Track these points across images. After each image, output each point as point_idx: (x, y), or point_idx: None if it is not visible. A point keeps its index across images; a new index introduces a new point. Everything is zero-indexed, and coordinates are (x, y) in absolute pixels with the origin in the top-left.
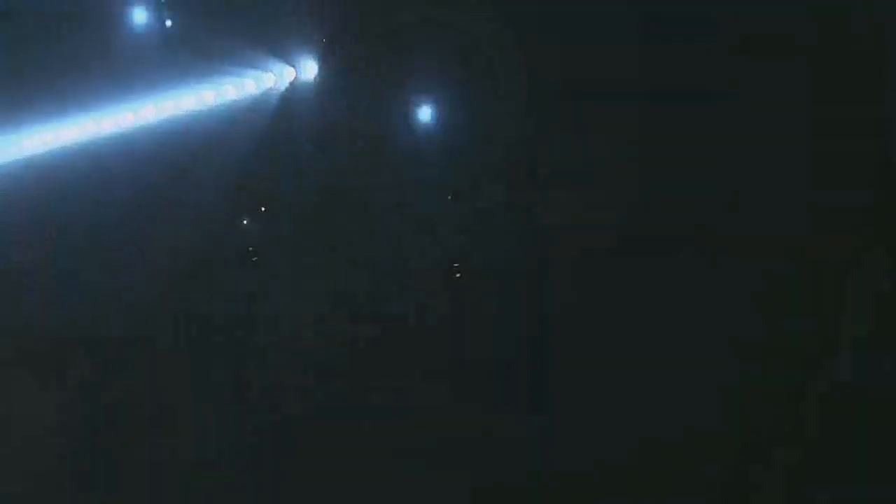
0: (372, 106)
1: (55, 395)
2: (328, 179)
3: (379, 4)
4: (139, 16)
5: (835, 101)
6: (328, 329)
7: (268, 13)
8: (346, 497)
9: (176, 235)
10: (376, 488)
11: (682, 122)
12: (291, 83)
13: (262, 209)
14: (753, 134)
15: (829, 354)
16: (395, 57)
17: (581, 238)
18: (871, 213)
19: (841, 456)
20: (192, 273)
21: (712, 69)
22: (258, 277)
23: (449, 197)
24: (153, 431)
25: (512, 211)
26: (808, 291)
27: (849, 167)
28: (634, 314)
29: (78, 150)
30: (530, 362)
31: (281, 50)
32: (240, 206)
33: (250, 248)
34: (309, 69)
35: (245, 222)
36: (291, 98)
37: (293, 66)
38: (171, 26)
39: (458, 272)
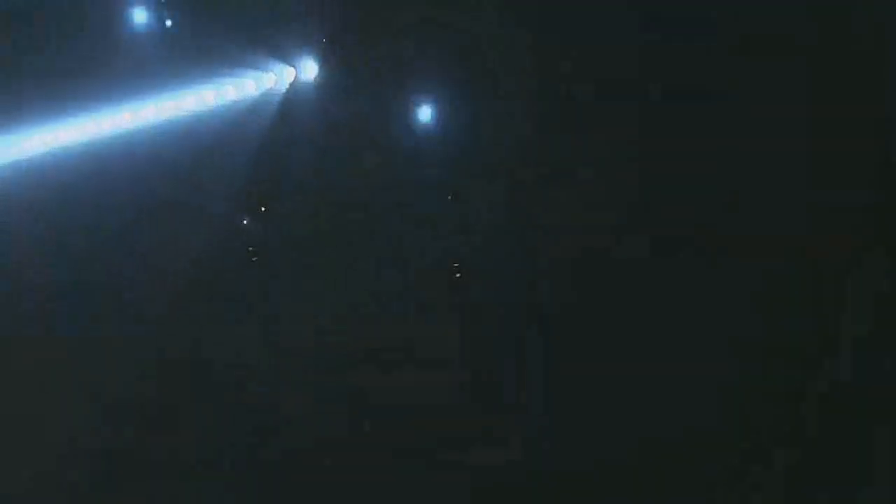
0: (372, 106)
1: (55, 396)
2: (328, 179)
3: (379, 4)
4: (139, 16)
5: (835, 101)
6: (328, 329)
7: (268, 13)
8: (347, 497)
9: (175, 235)
10: (376, 488)
11: (683, 122)
12: (291, 84)
13: (263, 209)
14: (753, 134)
15: (829, 354)
16: (395, 57)
17: (581, 238)
18: (871, 213)
19: (841, 456)
20: (192, 273)
21: (712, 69)
22: (258, 277)
23: (449, 197)
24: (153, 431)
25: (512, 211)
26: (808, 291)
27: (849, 167)
28: (634, 314)
29: (77, 151)
30: (530, 362)
31: (281, 50)
32: (240, 206)
33: (250, 248)
34: (309, 69)
35: (245, 222)
36: (291, 98)
37: (293, 67)
38: (171, 26)
39: (458, 272)
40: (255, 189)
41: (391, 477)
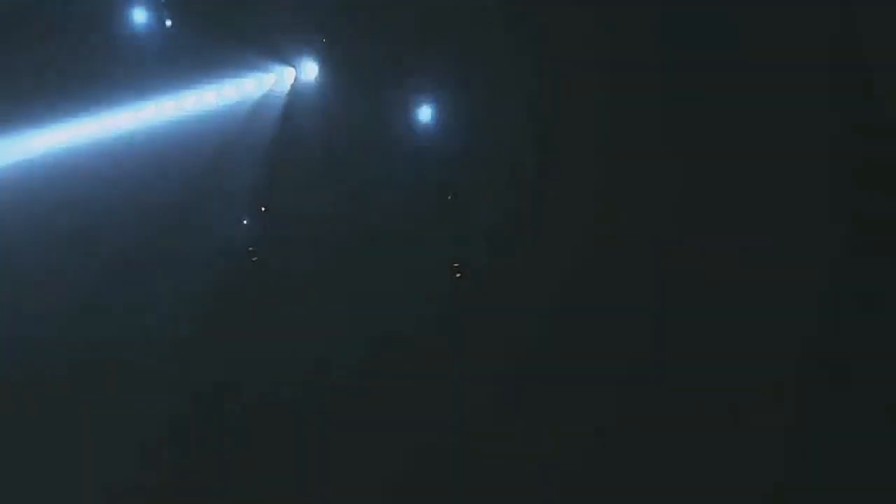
0: (372, 106)
1: (55, 396)
2: (328, 179)
3: (379, 4)
4: (139, 16)
5: (835, 101)
6: (328, 328)
7: (268, 13)
8: (347, 497)
9: (175, 236)
10: (376, 488)
11: (683, 122)
12: (291, 84)
13: (263, 209)
14: (754, 134)
15: (829, 353)
16: (395, 57)
17: (582, 238)
18: (871, 213)
19: (841, 456)
20: (192, 273)
21: (713, 69)
22: (258, 277)
23: (449, 197)
24: (153, 432)
25: (512, 211)
26: (808, 291)
27: (848, 167)
28: (635, 313)
29: (77, 151)
30: (531, 362)
31: (281, 50)
32: (240, 207)
33: (250, 248)
34: (309, 69)
35: (245, 222)
36: (291, 99)
37: (293, 67)
38: (171, 26)
39: (458, 272)
40: (256, 189)
41: (391, 477)
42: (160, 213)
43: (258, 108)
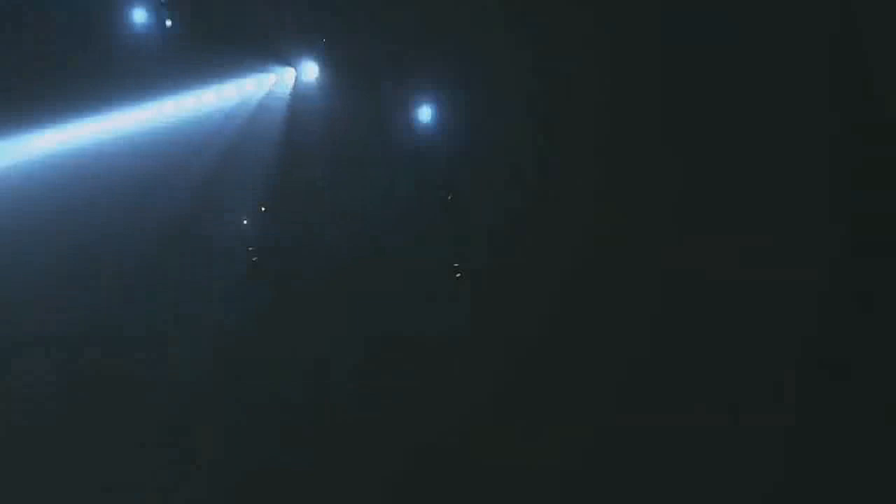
0: (372, 106)
1: (55, 396)
2: (328, 179)
3: (379, 4)
4: (139, 16)
5: (836, 101)
6: (328, 329)
7: (268, 14)
8: (347, 497)
9: (176, 235)
10: (376, 488)
11: (683, 122)
12: (291, 84)
13: (263, 209)
14: (754, 134)
15: (830, 353)
16: (395, 57)
17: (581, 238)
18: (871, 213)
19: (841, 456)
20: (192, 273)
21: (713, 69)
22: (259, 277)
23: (449, 197)
24: (154, 431)
25: (512, 211)
26: (808, 291)
27: (848, 167)
28: (634, 314)
29: (77, 152)
30: (530, 362)
31: (281, 51)
32: (240, 207)
33: (250, 248)
34: (309, 70)
35: (245, 222)
36: (292, 99)
37: (293, 67)
38: (171, 26)
39: (459, 272)
40: (256, 189)
41: (391, 477)
42: (160, 212)
43: (258, 108)
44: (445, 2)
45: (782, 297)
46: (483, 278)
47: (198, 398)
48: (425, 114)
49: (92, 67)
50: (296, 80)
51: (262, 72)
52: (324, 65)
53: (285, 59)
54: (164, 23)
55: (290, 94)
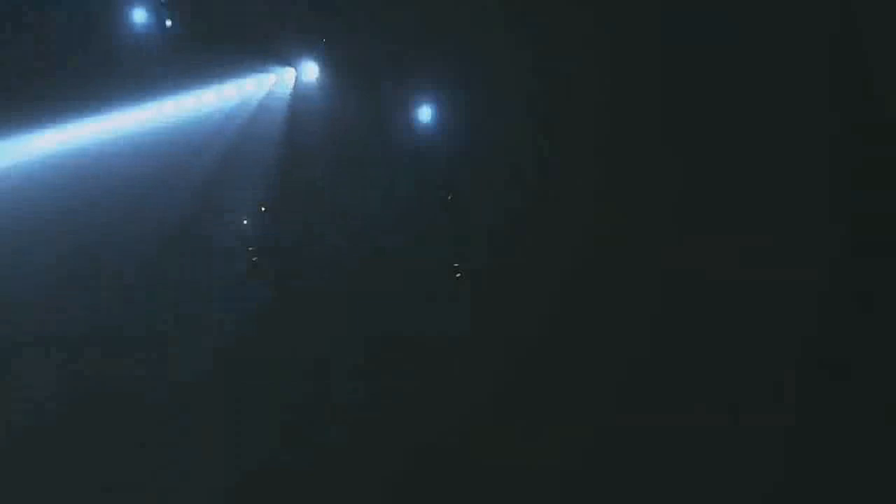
0: (372, 106)
1: (55, 395)
2: (328, 179)
3: (379, 4)
4: (139, 16)
5: (836, 101)
6: (328, 329)
7: (268, 14)
8: (347, 497)
9: (176, 235)
10: (376, 488)
11: (683, 121)
12: (291, 84)
13: (262, 209)
14: (754, 134)
15: (830, 353)
16: (395, 57)
17: (581, 238)
18: (871, 213)
19: (841, 456)
20: (192, 273)
21: (713, 69)
22: (258, 277)
23: (449, 197)
24: (153, 431)
25: (512, 211)
26: (808, 291)
27: (848, 167)
28: (634, 314)
29: (77, 152)
30: (530, 362)
31: (281, 51)
32: (240, 206)
33: (250, 248)
34: (309, 70)
35: (245, 222)
36: (292, 99)
37: (293, 67)
38: (171, 26)
39: (459, 272)
40: (256, 188)
41: (391, 477)
42: (160, 212)
43: (258, 108)
44: (445, 2)
45: (782, 297)
46: (483, 278)
47: (198, 398)
48: (425, 114)
49: (92, 67)
50: (296, 80)
51: (262, 72)
52: (324, 65)
53: (285, 59)
54: (164, 23)
55: (290, 94)
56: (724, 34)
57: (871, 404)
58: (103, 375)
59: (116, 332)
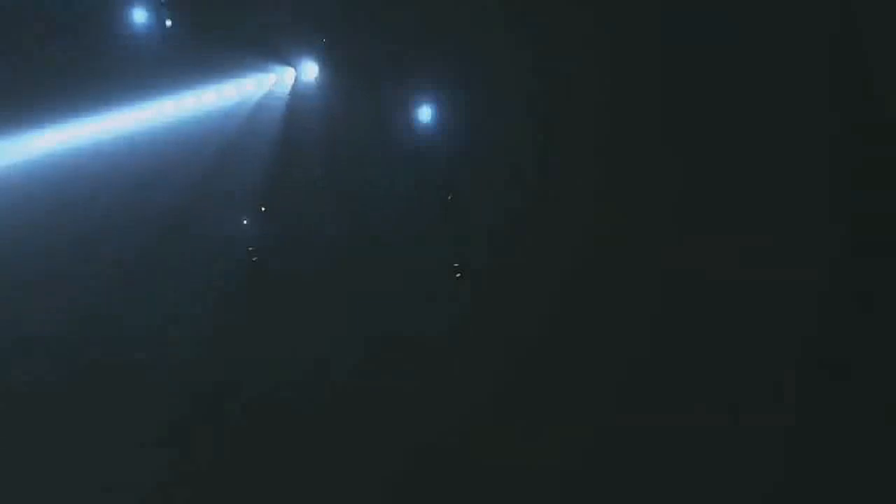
0: (372, 106)
1: (54, 396)
2: (328, 179)
3: (379, 4)
4: (139, 16)
5: (836, 101)
6: (328, 329)
7: (267, 13)
8: (347, 497)
9: (176, 235)
10: (376, 488)
11: (683, 121)
12: (291, 84)
13: (263, 209)
14: (754, 134)
15: (830, 353)
16: (395, 57)
17: (581, 238)
18: (871, 213)
19: (841, 456)
20: (192, 273)
21: (713, 69)
22: (258, 277)
23: (449, 197)
24: (153, 431)
25: (512, 211)
26: (808, 291)
27: (848, 167)
28: (635, 313)
29: (77, 151)
30: (530, 362)
31: (281, 51)
32: (240, 206)
33: (250, 248)
34: (309, 70)
35: (245, 222)
36: (291, 99)
37: (293, 67)
38: (171, 26)
39: (459, 272)
40: (256, 189)
41: (390, 477)
42: (160, 212)
43: (258, 108)
44: (445, 2)
45: (782, 297)
46: (483, 278)
47: (197, 398)
48: (425, 114)
49: (92, 67)
50: (296, 80)
51: (262, 72)
52: (324, 65)
53: (285, 59)
54: (164, 23)
55: (290, 94)
56: (724, 34)
57: (871, 404)
58: (102, 375)
59: (115, 331)
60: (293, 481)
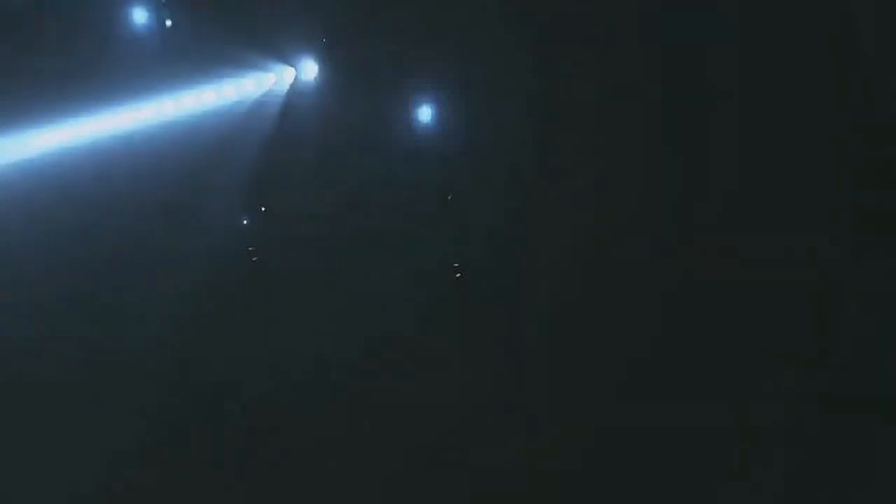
0: (372, 106)
1: (55, 395)
2: (328, 179)
3: (379, 4)
4: (139, 16)
5: (836, 101)
6: (328, 328)
7: (268, 13)
8: (346, 497)
9: (175, 235)
10: (376, 488)
11: (683, 121)
12: (291, 84)
13: (263, 209)
14: (754, 134)
15: (830, 354)
16: (395, 57)
17: (581, 238)
18: (871, 213)
19: (841, 456)
20: (192, 273)
21: (713, 70)
22: (258, 277)
23: (449, 197)
24: (153, 431)
25: (512, 211)
26: (808, 291)
27: (848, 167)
28: (635, 314)
29: (77, 151)
30: (531, 362)
31: (281, 50)
32: (240, 206)
33: (250, 248)
34: (309, 69)
35: (245, 222)
36: (291, 99)
37: (293, 67)
38: (171, 26)
39: (458, 272)
40: (255, 189)
41: (391, 477)
42: (159, 212)
43: (258, 107)
44: (445, 2)
45: (782, 297)
46: (483, 278)
47: (196, 397)
48: (425, 114)
49: (91, 67)
50: (295, 80)
51: (261, 71)
52: (324, 64)
53: (285, 58)
54: (164, 23)
55: (290, 94)
56: (724, 34)
57: (871, 404)
58: (101, 379)
59: (115, 331)
60: (292, 481)
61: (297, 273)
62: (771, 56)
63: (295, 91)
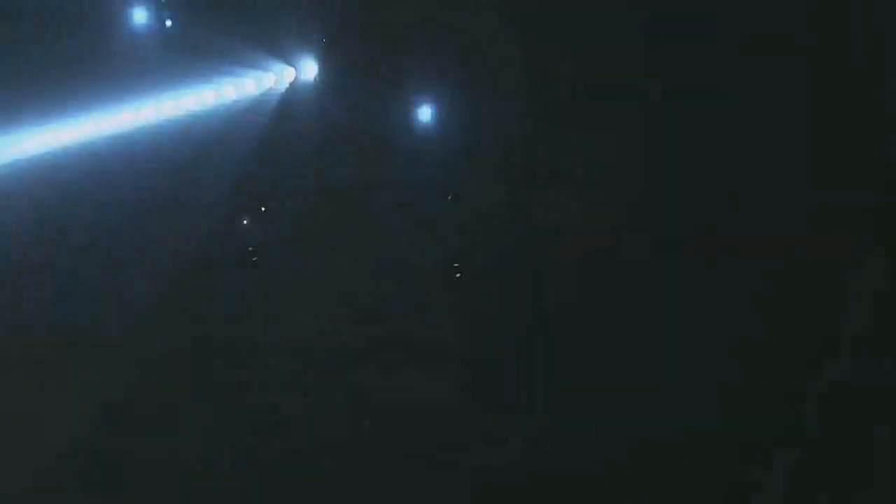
0: (372, 106)
1: (55, 396)
2: (328, 179)
3: (379, 4)
4: (139, 16)
5: (835, 100)
6: (328, 329)
7: (268, 13)
8: (347, 497)
9: (176, 235)
10: (376, 488)
11: (683, 121)
12: (291, 83)
13: (263, 209)
14: (753, 134)
15: (829, 354)
16: (395, 57)
17: (581, 238)
18: (871, 213)
19: (841, 456)
20: (192, 273)
21: (712, 69)
22: (258, 277)
23: (449, 197)
24: (153, 431)
25: (512, 211)
26: (808, 291)
27: (849, 167)
28: (635, 314)
29: (77, 151)
30: (530, 362)
31: (281, 50)
32: (240, 206)
33: (250, 248)
34: (309, 69)
35: (245, 222)
36: (291, 98)
37: (293, 67)
38: (171, 26)
39: (458, 272)
40: (255, 189)
41: (391, 477)
42: (159, 212)
43: (258, 107)
44: (445, 2)
45: (782, 297)
46: (482, 278)
47: (195, 397)
48: (425, 114)
49: (91, 66)
50: (295, 80)
51: (261, 71)
52: (324, 64)
53: (285, 58)
54: (164, 23)
55: (290, 94)
56: (723, 34)
57: (871, 404)
58: (100, 374)
59: (115, 331)
60: (290, 481)
61: (297, 273)
62: (770, 56)
63: (295, 91)
